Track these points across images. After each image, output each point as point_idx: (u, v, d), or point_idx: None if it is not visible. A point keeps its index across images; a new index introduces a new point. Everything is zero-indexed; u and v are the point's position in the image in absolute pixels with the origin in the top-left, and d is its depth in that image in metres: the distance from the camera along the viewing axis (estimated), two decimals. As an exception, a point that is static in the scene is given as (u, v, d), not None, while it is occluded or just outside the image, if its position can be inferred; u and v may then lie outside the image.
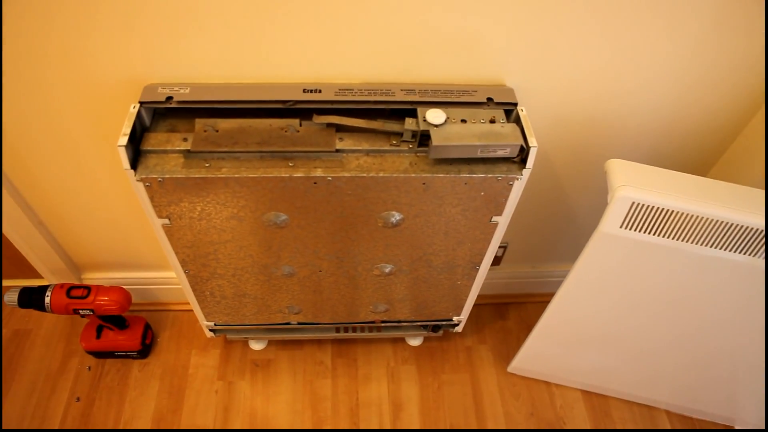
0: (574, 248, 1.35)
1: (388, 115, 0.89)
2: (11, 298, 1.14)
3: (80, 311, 1.16)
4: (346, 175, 0.83)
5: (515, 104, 0.88)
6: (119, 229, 1.19)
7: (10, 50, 0.82)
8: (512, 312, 1.47)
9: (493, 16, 0.81)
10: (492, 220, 0.95)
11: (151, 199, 0.85)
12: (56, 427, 1.23)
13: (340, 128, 0.87)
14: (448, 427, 1.27)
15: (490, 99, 0.88)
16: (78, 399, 1.27)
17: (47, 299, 1.14)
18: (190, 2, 0.77)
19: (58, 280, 1.32)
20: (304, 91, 0.86)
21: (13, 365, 1.31)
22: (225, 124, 0.86)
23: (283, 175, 0.82)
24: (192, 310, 1.41)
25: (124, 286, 1.32)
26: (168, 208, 0.87)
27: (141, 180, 0.82)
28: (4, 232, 1.18)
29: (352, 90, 0.87)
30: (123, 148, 0.79)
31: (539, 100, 0.96)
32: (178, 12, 0.78)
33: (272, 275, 1.05)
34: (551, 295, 1.30)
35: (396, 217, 0.92)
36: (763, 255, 0.88)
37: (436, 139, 0.81)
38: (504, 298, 1.48)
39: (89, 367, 1.31)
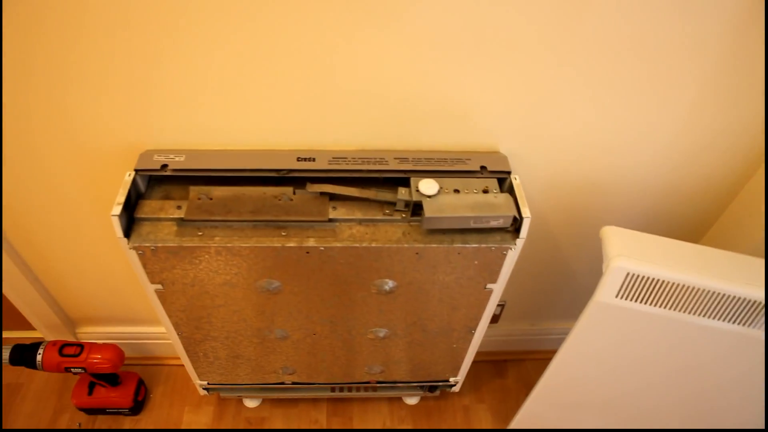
0: (572, 306, 1.33)
1: (381, 183, 0.90)
2: (2, 355, 1.13)
3: (72, 369, 1.15)
4: (339, 245, 0.83)
5: (509, 172, 0.89)
6: (114, 287, 1.19)
7: (9, 113, 0.84)
8: (511, 369, 1.44)
9: (486, 85, 0.82)
10: (487, 287, 0.94)
11: (144, 266, 0.85)
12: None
13: (333, 197, 0.87)
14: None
15: (483, 167, 0.88)
16: (80, 425, 1.25)
17: (39, 357, 1.13)
18: (186, 71, 0.78)
19: (53, 335, 1.31)
20: (299, 159, 0.87)
21: (2, 421, 1.30)
22: (219, 191, 0.86)
23: (276, 245, 0.82)
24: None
25: (118, 341, 1.31)
26: (161, 275, 0.87)
27: (134, 248, 0.82)
28: (12, 296, 1.18)
29: (346, 158, 0.87)
30: (117, 218, 0.79)
31: (533, 164, 0.96)
32: (174, 80, 0.79)
33: (265, 338, 1.04)
34: (550, 352, 1.27)
35: (389, 284, 0.91)
36: (763, 326, 0.87)
37: (429, 210, 0.81)
38: (502, 355, 1.45)
39: (79, 424, 1.29)
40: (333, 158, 0.87)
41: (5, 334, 1.45)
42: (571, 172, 0.98)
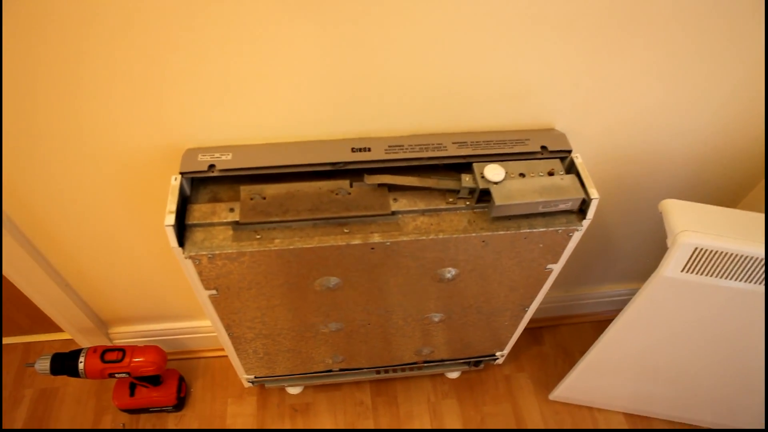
0: (605, 272, 1.33)
1: (440, 169, 0.86)
2: (43, 366, 1.09)
3: (116, 375, 1.11)
4: (405, 239, 0.79)
5: (569, 151, 0.85)
6: (147, 286, 1.14)
7: (40, 114, 0.77)
8: (546, 336, 1.45)
9: (543, 61, 0.78)
10: (547, 267, 0.92)
11: (200, 273, 0.81)
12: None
13: (393, 187, 0.83)
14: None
15: (544, 147, 0.85)
16: (123, 425, 1.23)
17: (81, 365, 1.09)
18: (228, 61, 0.72)
19: (86, 338, 1.28)
20: (353, 150, 0.82)
21: (44, 426, 1.27)
22: (272, 189, 0.82)
23: (340, 244, 0.78)
24: (224, 356, 1.37)
25: (152, 339, 1.29)
26: (216, 281, 0.83)
27: (189, 257, 0.77)
28: (28, 293, 1.13)
29: (403, 146, 0.83)
30: (171, 228, 0.75)
31: (584, 137, 0.93)
32: (215, 72, 0.73)
33: (318, 332, 1.01)
34: (583, 316, 1.28)
35: (451, 272, 0.89)
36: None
37: (499, 198, 0.78)
38: (538, 322, 1.45)
39: (123, 425, 1.27)
40: (389, 146, 0.83)
41: (33, 338, 1.40)
42: (617, 142, 0.95)
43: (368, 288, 0.90)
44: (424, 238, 0.80)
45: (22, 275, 1.05)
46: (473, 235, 0.81)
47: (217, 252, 0.77)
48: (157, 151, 0.85)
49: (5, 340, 1.40)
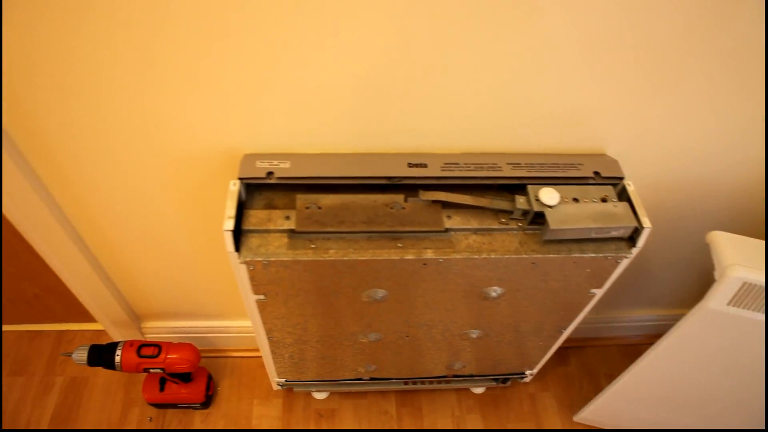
0: (638, 297, 1.33)
1: (493, 189, 0.86)
2: (80, 356, 1.11)
3: (151, 370, 1.13)
4: (458, 256, 0.80)
5: (621, 178, 0.86)
6: (187, 284, 1.16)
7: (114, 110, 0.79)
8: (573, 357, 1.44)
9: (600, 86, 0.78)
10: (591, 292, 0.92)
11: (251, 278, 0.82)
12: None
13: (446, 204, 0.84)
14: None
15: (596, 173, 0.85)
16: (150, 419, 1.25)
17: (117, 358, 1.10)
18: (289, 70, 0.73)
19: (118, 330, 1.29)
20: (410, 165, 0.83)
21: (73, 414, 1.28)
22: (327, 200, 0.83)
23: (393, 258, 0.79)
24: (251, 357, 1.38)
25: (183, 335, 1.30)
26: (266, 287, 0.84)
27: (245, 263, 0.78)
28: (69, 284, 1.14)
29: (458, 163, 0.84)
30: (229, 233, 0.76)
31: (633, 165, 0.93)
32: (276, 80, 0.74)
33: (357, 341, 1.02)
34: (609, 339, 1.27)
35: (497, 291, 0.89)
36: None
37: (554, 222, 0.79)
38: (565, 342, 1.45)
39: (150, 418, 1.28)
40: (445, 164, 0.84)
41: (65, 326, 1.42)
42: (667, 170, 0.96)
43: (413, 301, 0.91)
44: (476, 257, 0.81)
45: (66, 265, 1.07)
46: (524, 256, 0.81)
47: (272, 259, 0.78)
48: (215, 154, 0.86)
49: (39, 327, 1.42)
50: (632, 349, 1.44)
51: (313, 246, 0.80)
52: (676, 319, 1.08)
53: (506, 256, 0.81)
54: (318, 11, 0.66)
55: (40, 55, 0.69)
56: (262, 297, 0.87)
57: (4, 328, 1.43)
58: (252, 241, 0.80)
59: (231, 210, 0.77)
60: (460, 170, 0.83)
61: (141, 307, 1.25)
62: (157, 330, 1.32)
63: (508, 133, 0.85)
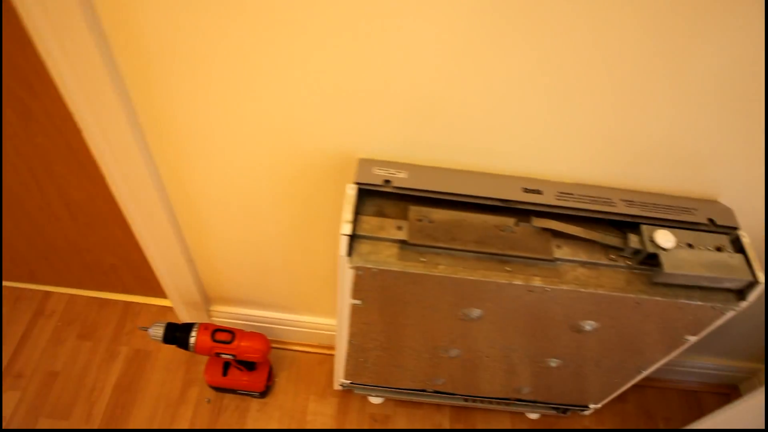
0: (711, 344, 1.30)
1: (603, 223, 0.86)
2: (157, 333, 1.13)
3: (222, 355, 1.15)
4: (565, 287, 0.80)
5: (736, 228, 0.84)
6: (267, 275, 1.17)
7: (235, 106, 0.81)
8: (631, 395, 1.42)
9: (721, 132, 0.77)
10: (685, 338, 0.91)
11: (355, 284, 0.83)
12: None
13: (555, 233, 0.83)
14: None
15: (711, 220, 0.84)
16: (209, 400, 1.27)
17: (192, 340, 1.12)
18: (414, 81, 0.74)
19: (186, 310, 1.31)
20: (525, 190, 0.83)
21: (135, 385, 1.31)
22: (438, 215, 0.83)
23: (501, 281, 0.79)
24: (311, 353, 1.40)
25: (249, 322, 1.32)
26: (367, 293, 0.85)
27: (355, 268, 0.79)
28: (151, 259, 1.17)
29: (572, 194, 0.83)
30: (346, 238, 0.77)
31: (745, 214, 0.91)
32: (402, 88, 0.75)
33: (436, 355, 1.02)
34: (673, 382, 1.24)
35: (591, 325, 0.88)
36: None
37: (668, 265, 0.77)
38: (623, 378, 1.43)
39: (209, 400, 1.30)
40: (559, 193, 0.83)
41: (133, 298, 1.46)
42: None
43: (504, 324, 0.91)
44: (582, 290, 0.80)
45: (155, 240, 1.09)
46: (630, 295, 0.80)
47: (383, 267, 0.79)
48: (326, 154, 0.87)
49: (108, 295, 1.46)
50: (692, 395, 1.42)
51: (423, 259, 0.80)
52: (742, 371, 1.06)
53: (612, 293, 0.80)
54: (455, 23, 0.66)
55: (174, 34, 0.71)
56: (358, 302, 0.88)
57: (75, 291, 1.47)
58: (363, 248, 0.80)
59: (349, 214, 0.78)
60: (575, 201, 0.83)
61: (213, 290, 1.27)
62: (223, 314, 1.34)
63: (622, 168, 0.85)
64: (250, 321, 1.34)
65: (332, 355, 1.39)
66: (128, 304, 1.45)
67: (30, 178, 1.12)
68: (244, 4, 0.66)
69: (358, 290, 0.84)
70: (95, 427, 1.25)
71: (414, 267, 0.79)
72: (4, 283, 1.49)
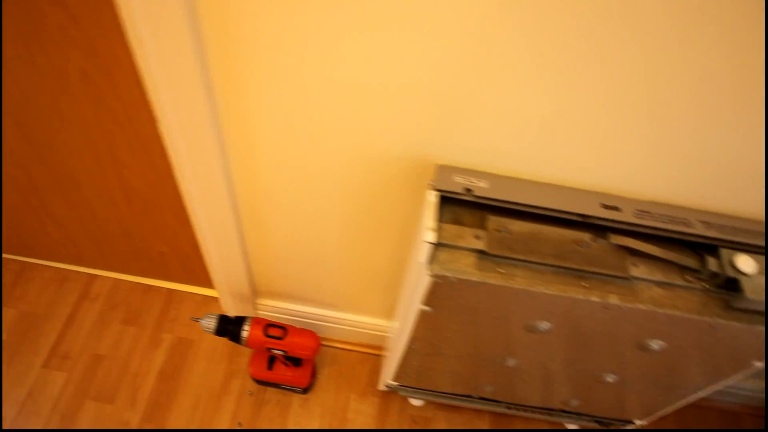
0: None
1: (679, 244, 0.85)
2: (209, 324, 1.13)
3: (273, 350, 1.15)
4: (641, 307, 0.79)
5: (814, 255, 0.83)
6: (320, 272, 1.18)
7: (318, 108, 0.81)
8: (671, 413, 1.42)
9: None
10: (752, 363, 0.90)
11: (431, 291, 0.83)
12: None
13: (632, 251, 0.83)
14: None
15: (790, 246, 0.83)
16: (240, 425, 1.27)
17: (245, 333, 1.13)
18: (502, 90, 0.74)
19: (232, 302, 1.32)
20: (603, 206, 0.82)
21: (178, 374, 1.32)
22: (516, 226, 0.83)
23: (578, 297, 0.79)
24: (354, 351, 1.40)
25: (294, 318, 1.33)
26: (441, 301, 0.85)
27: (434, 276, 0.79)
28: (205, 249, 1.18)
29: (650, 212, 0.83)
30: (429, 246, 0.77)
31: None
32: (488, 95, 0.75)
33: (493, 362, 1.02)
34: (713, 401, 1.24)
35: (659, 345, 0.88)
36: None
37: (751, 291, 0.77)
38: (661, 394, 1.43)
39: (251, 392, 1.31)
40: (637, 210, 0.83)
41: (177, 286, 1.47)
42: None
43: (570, 338, 0.90)
44: (658, 310, 0.80)
45: (213, 229, 1.08)
46: (706, 319, 0.80)
47: (461, 277, 0.78)
48: (402, 157, 0.87)
49: (153, 282, 1.47)
50: (732, 416, 1.41)
51: (501, 270, 0.80)
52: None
53: (687, 315, 0.80)
54: (552, 38, 0.66)
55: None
56: (429, 308, 0.88)
57: (120, 276, 1.48)
58: (441, 255, 0.80)
59: (431, 221, 0.78)
60: (652, 220, 0.82)
61: (263, 284, 1.28)
62: (269, 308, 1.34)
63: (700, 188, 0.84)
64: (295, 316, 1.34)
65: (374, 354, 1.39)
66: (171, 292, 1.46)
67: (92, 162, 1.12)
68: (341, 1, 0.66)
69: (431, 297, 0.84)
70: (138, 412, 1.26)
71: (492, 278, 0.79)
72: (51, 264, 1.50)
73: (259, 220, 1.07)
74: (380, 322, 1.31)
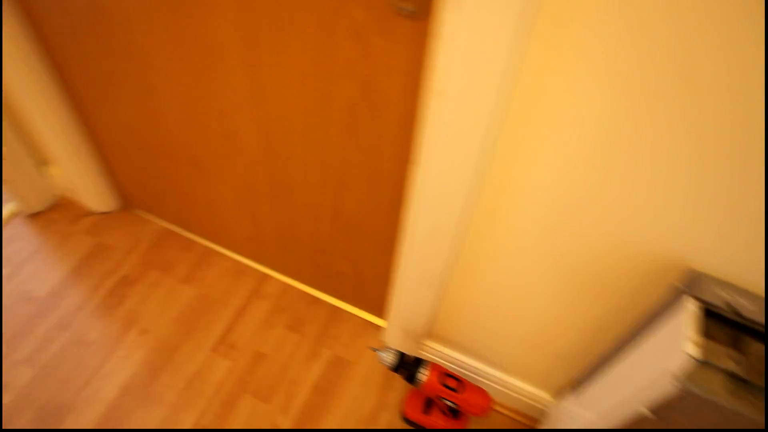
0: None
1: None
2: (388, 358, 1.15)
3: (444, 400, 1.15)
4: None
5: None
6: (502, 333, 1.16)
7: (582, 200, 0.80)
8: None
9: None
10: None
11: (665, 402, 0.79)
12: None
13: None
14: None
15: None
16: None
17: (423, 377, 1.13)
18: None
19: (398, 337, 1.34)
20: None
21: (331, 392, 1.35)
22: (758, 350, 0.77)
23: (842, 454, 0.72)
24: (503, 414, 1.37)
25: (456, 366, 1.31)
26: (670, 413, 0.80)
27: (682, 389, 0.75)
28: (400, 281, 1.19)
29: None
30: (693, 360, 0.73)
31: None
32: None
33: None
34: None
35: None
36: None
37: None
38: None
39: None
40: None
41: (341, 305, 1.51)
42: None
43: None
44: None
45: (419, 269, 1.10)
46: None
47: (710, 398, 0.74)
48: (645, 254, 0.84)
49: (320, 295, 1.52)
50: None
51: (753, 400, 0.74)
52: None
53: None
54: None
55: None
56: (652, 416, 0.83)
57: (291, 281, 1.55)
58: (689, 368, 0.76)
59: (693, 333, 0.74)
60: None
61: (438, 328, 1.28)
62: (434, 352, 1.34)
63: None
64: (459, 365, 1.33)
65: (524, 423, 1.35)
66: (335, 309, 1.51)
67: (316, 178, 1.17)
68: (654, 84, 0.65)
69: (662, 406, 0.80)
70: (290, 419, 1.30)
71: (744, 407, 0.73)
72: (231, 255, 1.60)
73: (471, 276, 1.07)
74: (541, 393, 1.27)
